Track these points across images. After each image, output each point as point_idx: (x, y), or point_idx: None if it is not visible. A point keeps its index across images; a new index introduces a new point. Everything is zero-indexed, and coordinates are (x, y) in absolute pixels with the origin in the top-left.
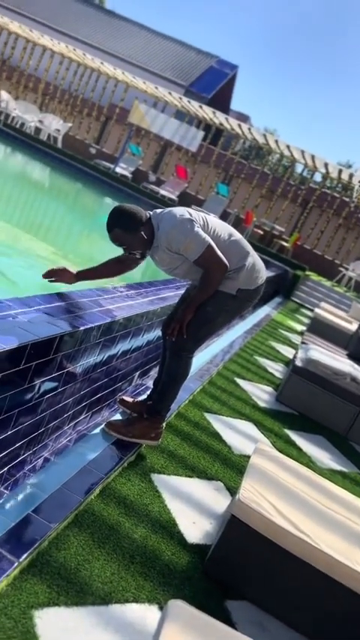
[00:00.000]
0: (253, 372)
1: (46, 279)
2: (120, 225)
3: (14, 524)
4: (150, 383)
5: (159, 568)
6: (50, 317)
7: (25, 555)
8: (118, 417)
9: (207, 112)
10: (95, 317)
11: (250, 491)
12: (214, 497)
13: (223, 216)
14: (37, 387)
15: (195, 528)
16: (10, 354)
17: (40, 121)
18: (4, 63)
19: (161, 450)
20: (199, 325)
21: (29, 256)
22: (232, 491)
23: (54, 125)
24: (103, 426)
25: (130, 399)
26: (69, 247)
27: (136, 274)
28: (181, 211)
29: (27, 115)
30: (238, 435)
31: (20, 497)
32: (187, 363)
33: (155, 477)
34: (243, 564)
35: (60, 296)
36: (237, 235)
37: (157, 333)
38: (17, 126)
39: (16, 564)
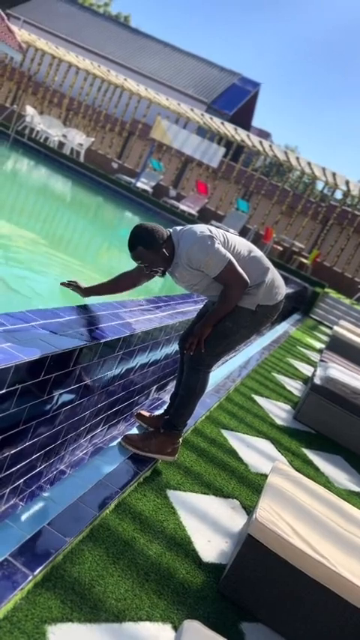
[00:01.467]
0: (271, 389)
1: (62, 286)
2: (143, 243)
3: (29, 536)
4: (167, 397)
5: (173, 586)
6: (70, 329)
7: (39, 569)
8: (134, 431)
9: (228, 129)
10: (114, 330)
11: (267, 511)
12: (229, 515)
13: (243, 232)
14: (55, 399)
15: (210, 547)
16: (31, 366)
17: (64, 136)
18: (30, 79)
19: (177, 466)
20: (218, 340)
21: (50, 268)
22: (249, 510)
23: (77, 139)
24: (119, 439)
25: (147, 414)
26: (89, 260)
27: (154, 288)
28: (201, 228)
29: (51, 129)
30: (255, 452)
31: (35, 509)
32: (205, 378)
33: (171, 493)
34: (258, 585)
35: (80, 308)
36: (257, 252)
37: (176, 347)
38: (41, 140)
39: (30, 578)
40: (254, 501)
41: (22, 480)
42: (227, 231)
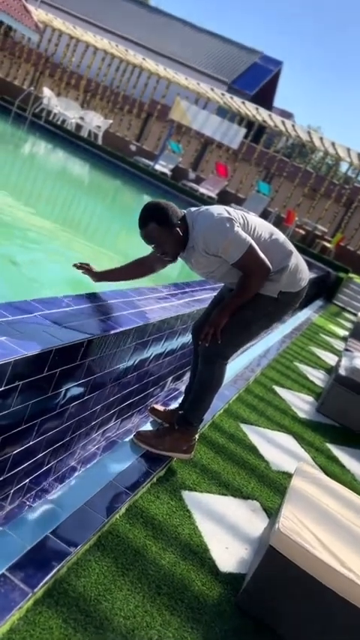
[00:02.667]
0: (293, 380)
1: (75, 269)
2: (155, 220)
3: (30, 547)
4: (184, 387)
5: (188, 601)
6: (78, 319)
7: (40, 585)
8: (148, 426)
9: (250, 109)
10: (127, 320)
11: (290, 519)
12: (249, 518)
13: (264, 216)
14: (62, 395)
15: (228, 554)
16: (33, 361)
17: (81, 118)
18: (47, 60)
19: (193, 465)
20: (236, 330)
21: (66, 254)
22: (269, 512)
23: (95, 122)
24: (132, 436)
25: (161, 408)
26: (107, 244)
27: (171, 274)
28: (218, 210)
29: (68, 111)
30: (276, 448)
31: (38, 515)
32: (222, 371)
33: (186, 494)
34: (280, 601)
35: (90, 297)
36: (279, 234)
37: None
38: (58, 122)
39: (29, 595)
40: (275, 502)
41: (27, 480)
42: (247, 213)
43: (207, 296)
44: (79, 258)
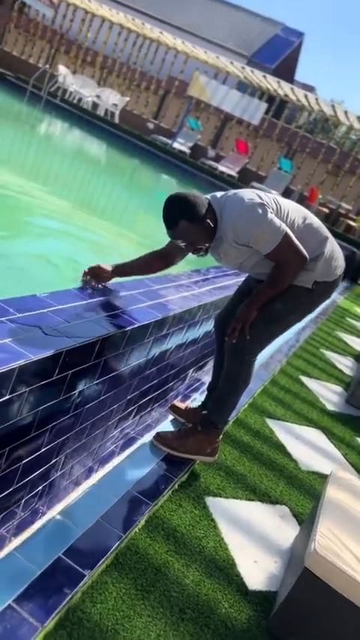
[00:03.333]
0: (320, 369)
1: (84, 283)
2: (185, 216)
3: (40, 572)
4: (206, 378)
5: (214, 626)
6: (92, 315)
7: (51, 617)
8: (168, 425)
9: (271, 83)
10: (145, 313)
11: (327, 537)
12: (278, 526)
13: (286, 194)
14: (75, 397)
15: (257, 569)
16: (41, 365)
17: (98, 96)
18: (62, 37)
19: (217, 467)
20: (267, 324)
21: (83, 237)
22: (299, 518)
23: (111, 100)
24: (151, 438)
25: (182, 406)
26: (125, 225)
27: (189, 258)
28: (248, 194)
29: (84, 89)
30: (304, 446)
31: (50, 532)
32: (250, 368)
33: (210, 500)
34: (316, 628)
35: (105, 288)
36: (312, 218)
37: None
38: (74, 101)
39: (39, 630)
40: (305, 507)
41: (40, 487)
42: (277, 196)
43: (231, 282)
44: (96, 240)
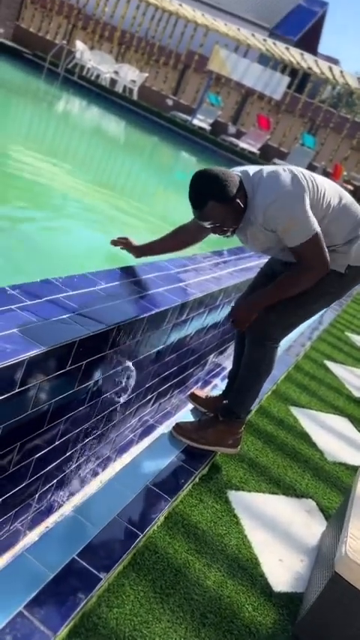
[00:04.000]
0: (346, 353)
1: (113, 245)
2: (215, 196)
3: (53, 575)
4: (227, 363)
5: (237, 632)
6: (109, 301)
7: (64, 625)
8: (189, 415)
9: (294, 55)
10: (164, 299)
11: (358, 538)
12: (304, 522)
13: (309, 170)
14: (89, 389)
15: (282, 568)
16: (52, 355)
17: (116, 72)
18: (79, 12)
19: (240, 459)
20: (291, 310)
21: (103, 218)
22: (326, 512)
23: (129, 76)
24: (171, 429)
25: (202, 394)
26: (143, 203)
27: (211, 237)
28: (285, 177)
29: (102, 65)
30: (330, 435)
31: (64, 531)
32: (272, 355)
33: (233, 494)
34: (347, 636)
35: (123, 272)
36: (347, 197)
37: None
38: (92, 78)
39: (52, 639)
40: (332, 501)
41: (55, 480)
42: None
43: (253, 264)
44: (114, 222)
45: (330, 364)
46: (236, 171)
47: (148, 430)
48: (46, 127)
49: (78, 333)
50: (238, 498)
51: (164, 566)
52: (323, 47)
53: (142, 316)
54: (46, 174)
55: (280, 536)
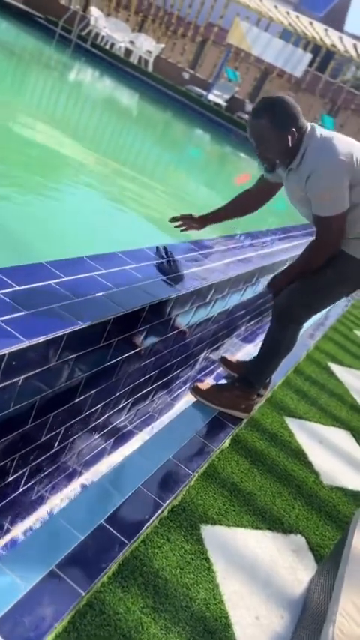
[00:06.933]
0: (352, 355)
1: (174, 226)
2: (271, 116)
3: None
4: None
5: None
6: (139, 280)
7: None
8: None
9: (318, 31)
10: (192, 281)
11: (350, 617)
12: (290, 564)
13: None
14: (118, 365)
15: (258, 629)
16: (88, 332)
17: (131, 42)
18: None
19: (221, 483)
20: (314, 292)
21: (124, 197)
22: (317, 552)
23: (145, 46)
24: (189, 389)
25: (233, 359)
26: (156, 180)
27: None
28: (341, 148)
29: (117, 34)
30: (329, 453)
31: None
32: (294, 336)
33: (207, 531)
34: None
35: (150, 252)
36: None
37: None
38: (106, 47)
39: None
40: (325, 538)
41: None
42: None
43: (282, 247)
44: (125, 195)
45: (334, 367)
46: (312, 122)
47: (167, 408)
48: (57, 98)
49: (114, 311)
50: (213, 535)
51: (110, 631)
52: (350, 26)
53: (167, 298)
54: (54, 145)
55: (259, 586)
